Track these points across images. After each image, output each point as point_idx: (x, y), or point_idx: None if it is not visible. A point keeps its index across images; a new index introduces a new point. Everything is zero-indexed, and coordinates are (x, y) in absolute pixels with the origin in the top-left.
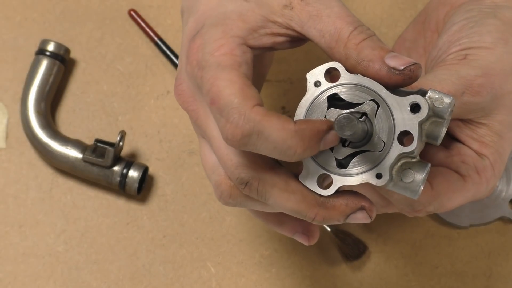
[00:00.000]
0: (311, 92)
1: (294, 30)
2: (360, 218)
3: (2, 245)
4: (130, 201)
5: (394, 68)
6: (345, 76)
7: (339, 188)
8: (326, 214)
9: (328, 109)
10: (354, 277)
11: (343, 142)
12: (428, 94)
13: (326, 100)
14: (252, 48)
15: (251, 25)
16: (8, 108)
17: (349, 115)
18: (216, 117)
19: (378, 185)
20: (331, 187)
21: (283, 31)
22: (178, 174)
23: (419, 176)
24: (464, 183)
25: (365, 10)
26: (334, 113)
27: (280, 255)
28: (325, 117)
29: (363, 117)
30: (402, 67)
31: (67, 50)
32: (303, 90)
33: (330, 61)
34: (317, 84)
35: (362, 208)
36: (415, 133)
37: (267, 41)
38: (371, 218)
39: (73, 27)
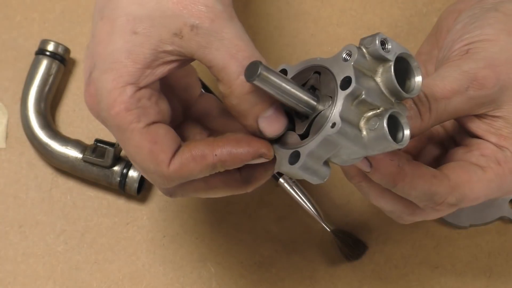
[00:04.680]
0: None
1: (185, 56)
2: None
3: (2, 245)
4: (130, 201)
5: (261, 132)
6: (291, 70)
7: (306, 155)
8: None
9: None
10: (354, 277)
11: (301, 118)
12: (360, 41)
13: None
14: (149, 85)
15: (141, 64)
16: (8, 108)
17: (253, 61)
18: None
19: (334, 132)
20: (299, 159)
21: (175, 58)
22: None
23: (382, 119)
24: (484, 173)
25: (365, 10)
26: None
27: (280, 255)
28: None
29: (315, 90)
30: (268, 135)
31: (67, 50)
32: None
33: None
34: None
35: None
36: (351, 73)
37: (162, 71)
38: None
39: (73, 27)
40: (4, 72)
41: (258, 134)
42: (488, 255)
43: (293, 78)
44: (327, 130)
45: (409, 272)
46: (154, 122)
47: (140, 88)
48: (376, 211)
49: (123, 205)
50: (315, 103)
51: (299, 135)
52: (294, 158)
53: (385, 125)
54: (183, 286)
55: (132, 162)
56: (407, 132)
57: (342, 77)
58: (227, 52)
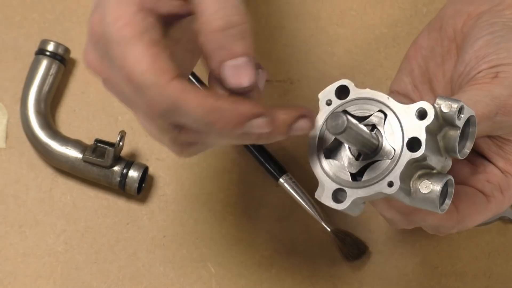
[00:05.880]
0: (324, 111)
1: None
2: (304, 126)
3: (2, 245)
4: (130, 201)
5: (224, 80)
6: (353, 92)
7: (353, 200)
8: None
9: None
10: (354, 277)
11: (356, 156)
12: (436, 100)
13: None
14: (154, 11)
15: None
16: (8, 108)
17: (337, 113)
18: (133, 95)
19: (390, 193)
20: (345, 201)
21: None
22: (178, 174)
23: (436, 187)
24: (488, 204)
25: (365, 10)
26: None
27: (280, 255)
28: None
29: (374, 130)
30: (232, 85)
31: (67, 50)
32: (303, 90)
33: (340, 80)
34: (328, 102)
35: (304, 116)
36: (422, 138)
37: (164, 5)
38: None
39: (73, 27)
40: (4, 72)
41: (220, 83)
42: (488, 255)
43: (352, 102)
44: (383, 187)
45: (409, 272)
46: (157, 42)
47: (145, 9)
48: (376, 211)
49: (123, 205)
50: (375, 150)
51: (350, 173)
52: (339, 195)
53: (438, 193)
54: (183, 286)
55: (126, 82)
56: (448, 201)
57: (411, 136)
58: None
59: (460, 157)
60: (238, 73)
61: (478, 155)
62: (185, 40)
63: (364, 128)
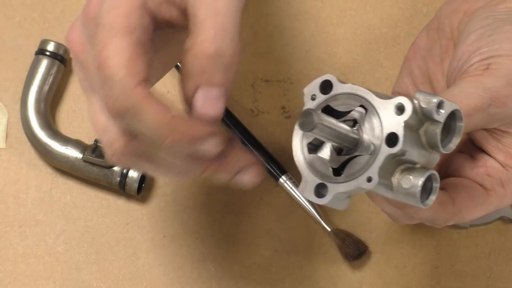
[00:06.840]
0: (308, 106)
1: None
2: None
3: (2, 245)
4: (130, 201)
5: (193, 107)
6: (337, 87)
7: (335, 195)
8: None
9: None
10: (354, 277)
11: (338, 151)
12: (416, 95)
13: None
14: (152, 15)
15: None
16: (8, 108)
17: (307, 110)
18: (100, 83)
19: (369, 188)
20: (326, 196)
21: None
22: None
23: (418, 181)
24: (487, 197)
25: (365, 10)
26: None
27: (280, 255)
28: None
29: (356, 124)
30: (199, 113)
31: (67, 50)
32: (302, 90)
33: (324, 75)
34: (313, 97)
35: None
36: (400, 133)
37: (165, 11)
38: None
39: None
40: (4, 72)
41: (187, 108)
42: (488, 255)
43: (336, 97)
44: (362, 182)
45: (409, 272)
46: (142, 43)
47: (146, 8)
48: (376, 211)
49: (123, 205)
50: (356, 145)
51: (332, 168)
52: (321, 190)
53: (419, 188)
54: (183, 286)
55: (97, 69)
56: (433, 197)
57: (389, 131)
58: (212, 9)
59: (444, 152)
60: (208, 102)
61: (477, 149)
62: (164, 51)
63: (340, 123)
